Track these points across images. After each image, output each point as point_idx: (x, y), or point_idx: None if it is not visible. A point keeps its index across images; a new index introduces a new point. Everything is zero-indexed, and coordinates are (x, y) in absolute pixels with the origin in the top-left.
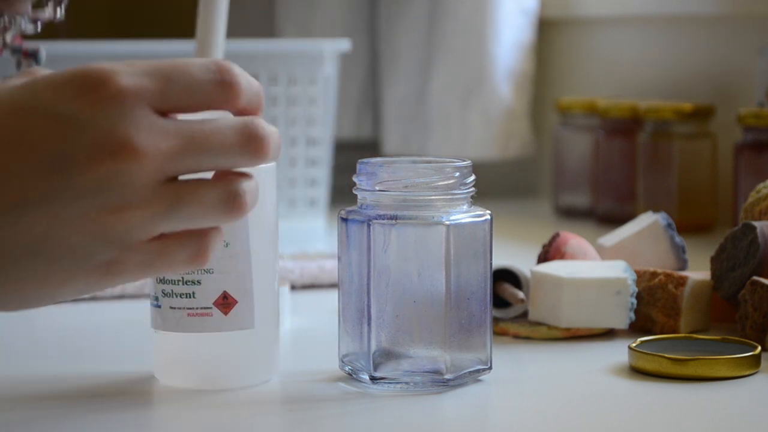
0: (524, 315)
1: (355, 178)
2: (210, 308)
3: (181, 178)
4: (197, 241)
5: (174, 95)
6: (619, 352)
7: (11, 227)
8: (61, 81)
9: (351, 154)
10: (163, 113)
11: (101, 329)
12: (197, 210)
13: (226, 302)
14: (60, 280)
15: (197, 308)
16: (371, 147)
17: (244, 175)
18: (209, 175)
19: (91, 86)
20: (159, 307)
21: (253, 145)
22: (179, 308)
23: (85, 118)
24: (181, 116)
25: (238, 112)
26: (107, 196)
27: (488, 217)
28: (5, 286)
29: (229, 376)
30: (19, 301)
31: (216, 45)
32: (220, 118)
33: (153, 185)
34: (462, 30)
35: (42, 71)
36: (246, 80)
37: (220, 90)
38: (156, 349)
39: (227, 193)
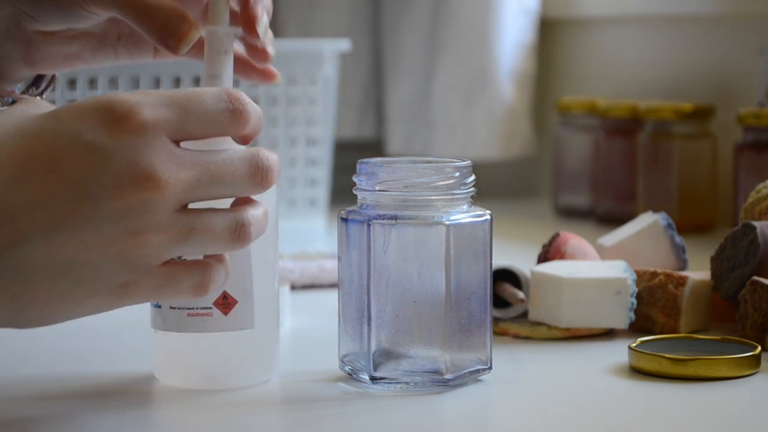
0: (524, 315)
1: (355, 178)
2: (210, 308)
3: (191, 205)
4: (202, 272)
5: (190, 125)
6: (619, 352)
7: (41, 250)
8: (86, 111)
9: (354, 154)
10: (178, 141)
11: (101, 329)
12: (207, 238)
13: (226, 302)
14: (80, 300)
15: (197, 308)
16: (374, 147)
17: (252, 204)
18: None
19: (116, 118)
20: (159, 307)
21: (259, 176)
22: (179, 308)
23: (111, 148)
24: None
25: (242, 139)
26: (130, 222)
27: (488, 217)
28: (31, 306)
29: (229, 376)
30: (40, 319)
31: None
32: (229, 149)
33: (170, 212)
34: (465, 30)
35: (35, 101)
36: (252, 107)
37: (231, 118)
38: (156, 349)
39: (235, 223)
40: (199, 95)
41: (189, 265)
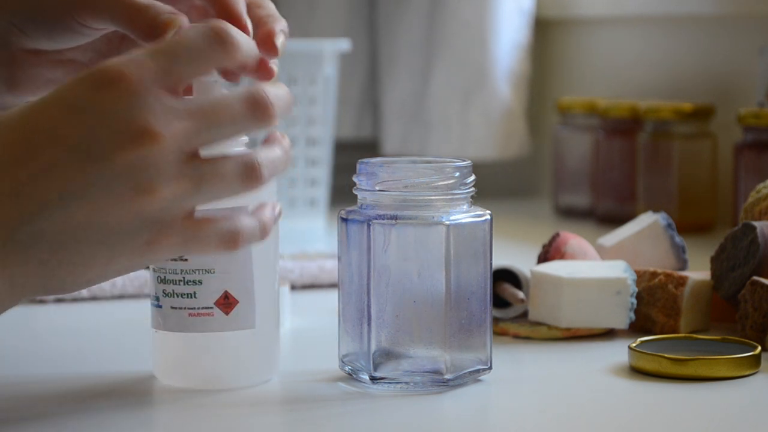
0: (524, 315)
1: (355, 178)
2: (211, 308)
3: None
4: (229, 224)
5: (178, 68)
6: (619, 352)
7: (58, 218)
8: (80, 79)
9: (351, 154)
10: (174, 88)
11: (101, 329)
12: (219, 184)
13: (227, 302)
14: (107, 261)
15: (198, 308)
16: (371, 147)
17: (268, 144)
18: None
19: (106, 81)
20: (160, 307)
21: (259, 111)
22: (180, 308)
23: (106, 110)
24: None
25: (241, 67)
26: (137, 179)
27: (488, 217)
28: (59, 271)
29: (229, 376)
30: (72, 283)
31: None
32: (228, 91)
33: (176, 163)
34: (462, 30)
35: None
36: (241, 36)
37: (218, 47)
38: (156, 349)
39: (244, 164)
40: (180, 36)
41: (214, 218)
